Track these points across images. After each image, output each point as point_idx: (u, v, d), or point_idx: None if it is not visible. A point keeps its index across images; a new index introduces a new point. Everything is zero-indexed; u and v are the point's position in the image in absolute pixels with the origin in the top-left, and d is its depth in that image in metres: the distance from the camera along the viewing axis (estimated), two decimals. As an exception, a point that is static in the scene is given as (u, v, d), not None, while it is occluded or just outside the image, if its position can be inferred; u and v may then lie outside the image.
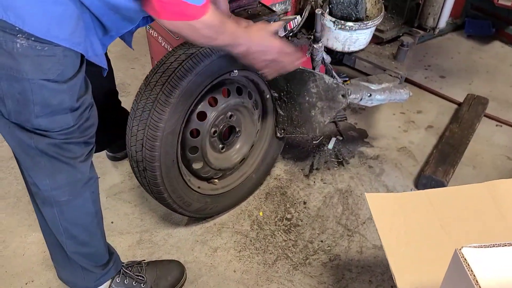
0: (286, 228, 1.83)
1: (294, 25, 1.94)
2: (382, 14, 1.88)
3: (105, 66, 1.19)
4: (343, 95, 1.64)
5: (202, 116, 1.58)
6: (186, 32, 1.14)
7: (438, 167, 1.96)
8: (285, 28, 1.93)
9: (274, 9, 1.81)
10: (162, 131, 1.42)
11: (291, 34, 1.97)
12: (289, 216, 1.88)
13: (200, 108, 1.56)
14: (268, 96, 1.80)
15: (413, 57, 2.79)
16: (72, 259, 1.37)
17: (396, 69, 1.88)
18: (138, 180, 1.58)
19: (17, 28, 0.95)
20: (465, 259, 0.75)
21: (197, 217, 1.79)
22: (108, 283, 1.48)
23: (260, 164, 1.89)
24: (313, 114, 1.73)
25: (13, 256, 1.71)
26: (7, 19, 0.93)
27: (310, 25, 2.00)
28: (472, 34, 3.00)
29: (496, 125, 2.35)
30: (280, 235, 1.80)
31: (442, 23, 2.06)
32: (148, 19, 1.24)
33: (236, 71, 1.59)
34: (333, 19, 1.82)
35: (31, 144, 1.13)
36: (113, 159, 2.07)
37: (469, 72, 2.72)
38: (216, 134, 1.65)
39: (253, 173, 1.88)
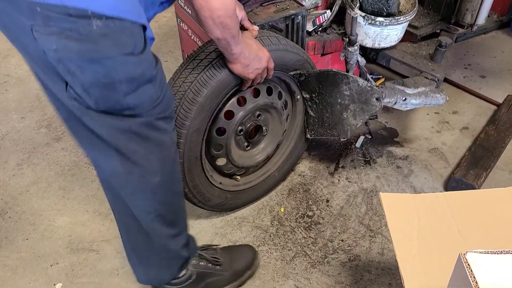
0: (307, 225, 1.81)
1: (324, 20, 1.91)
2: (415, 9, 1.81)
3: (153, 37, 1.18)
4: (377, 99, 1.59)
5: (229, 115, 1.57)
6: (215, 4, 1.09)
7: (470, 170, 1.88)
8: (314, 23, 1.91)
9: (303, 3, 1.78)
10: (187, 129, 1.42)
11: (320, 28, 1.94)
12: (310, 213, 1.85)
13: (228, 107, 1.54)
14: (299, 97, 1.77)
15: (452, 56, 2.68)
16: (157, 247, 1.38)
17: (433, 71, 1.80)
18: None
19: (89, 12, 0.96)
20: (468, 264, 0.71)
21: (214, 211, 1.80)
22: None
23: (284, 163, 1.88)
24: (344, 116, 1.69)
25: (41, 238, 1.78)
26: (77, 4, 0.94)
27: (340, 20, 1.96)
28: (519, 32, 2.84)
29: (538, 129, 2.22)
30: (300, 232, 1.78)
31: (481, 20, 1.96)
32: (165, 4, 1.22)
33: None
34: (363, 14, 1.78)
35: (124, 127, 1.13)
36: None
37: (513, 72, 2.59)
38: (242, 133, 1.64)
39: (276, 171, 1.87)
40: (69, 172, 2.04)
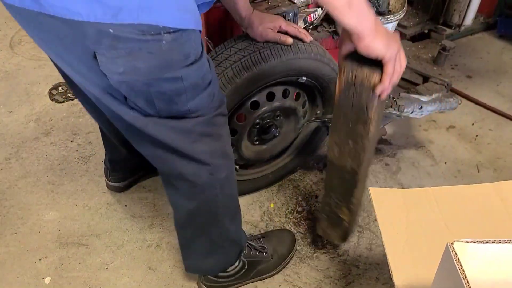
0: (296, 221, 1.82)
1: (315, 18, 1.93)
2: (404, 8, 1.84)
3: None
4: (397, 116, 1.72)
5: (254, 105, 1.58)
6: None
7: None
8: (305, 21, 1.93)
9: (295, 0, 1.80)
10: None
11: (311, 26, 1.96)
12: (300, 209, 1.87)
13: (256, 98, 1.55)
14: (319, 111, 1.80)
15: (440, 56, 2.73)
16: (219, 241, 1.43)
17: (440, 75, 1.84)
18: None
19: (160, 27, 0.96)
20: (455, 253, 0.73)
21: None
22: None
23: (282, 168, 1.91)
24: None
25: (30, 232, 1.77)
26: (150, 21, 0.95)
27: (331, 18, 1.98)
28: (505, 34, 2.89)
29: (522, 128, 2.28)
30: (290, 228, 1.80)
31: (468, 21, 2.01)
32: (211, 4, 1.21)
33: (304, 78, 1.59)
34: (354, 13, 1.80)
35: (190, 128, 1.14)
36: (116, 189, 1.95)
37: (498, 73, 2.63)
38: (258, 126, 1.66)
39: (271, 173, 1.89)
40: (58, 167, 2.02)
